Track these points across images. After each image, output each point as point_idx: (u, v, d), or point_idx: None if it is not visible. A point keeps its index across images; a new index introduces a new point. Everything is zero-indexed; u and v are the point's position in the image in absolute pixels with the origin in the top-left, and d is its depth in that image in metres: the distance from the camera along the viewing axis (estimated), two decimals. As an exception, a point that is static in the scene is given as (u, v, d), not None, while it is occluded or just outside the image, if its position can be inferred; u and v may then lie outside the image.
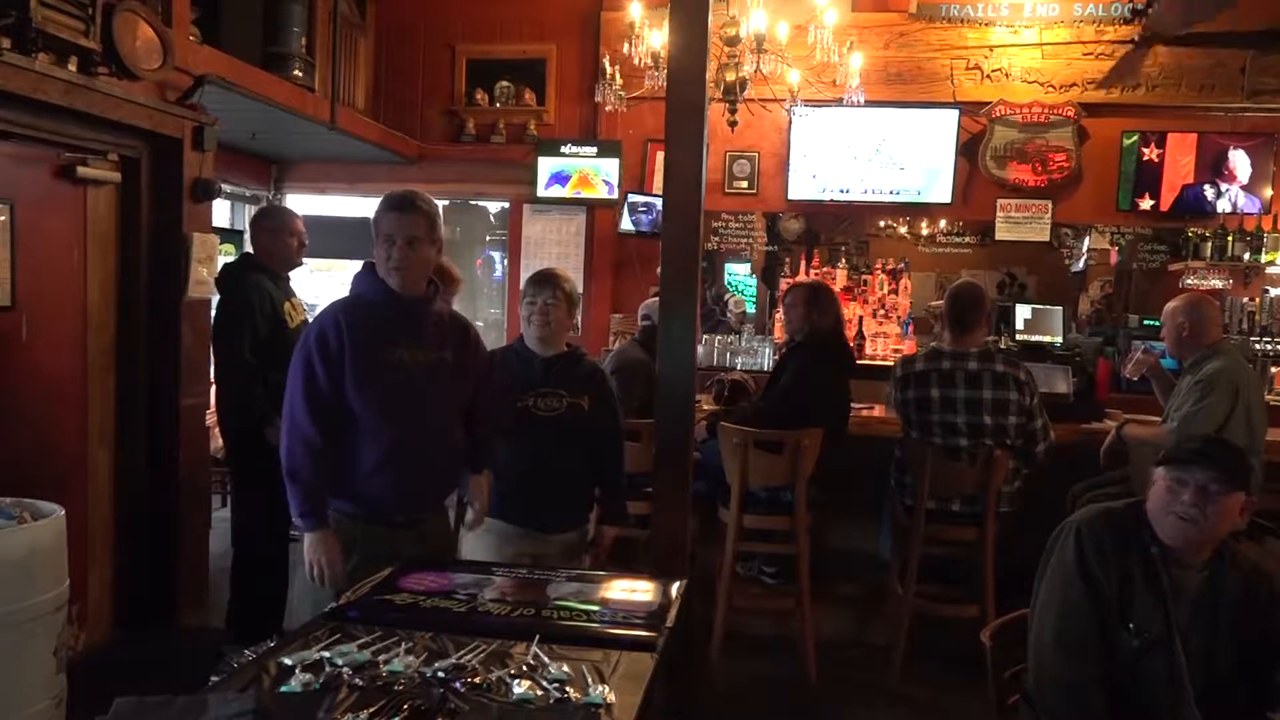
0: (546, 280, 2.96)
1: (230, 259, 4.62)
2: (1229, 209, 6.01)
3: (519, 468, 2.89)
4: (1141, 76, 5.91)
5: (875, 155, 6.24)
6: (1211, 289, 5.93)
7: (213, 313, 3.96)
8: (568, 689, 1.52)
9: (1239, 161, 5.97)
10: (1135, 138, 6.02)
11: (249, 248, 4.32)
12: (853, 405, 4.15)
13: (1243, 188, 5.99)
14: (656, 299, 3.33)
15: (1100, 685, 2.03)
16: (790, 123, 6.15)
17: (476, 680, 1.53)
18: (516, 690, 1.50)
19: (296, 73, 5.16)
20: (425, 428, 2.53)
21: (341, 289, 2.75)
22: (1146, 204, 6.05)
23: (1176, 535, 2.04)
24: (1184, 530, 2.02)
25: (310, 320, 2.68)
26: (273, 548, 3.78)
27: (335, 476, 2.48)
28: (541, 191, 6.39)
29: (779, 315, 5.85)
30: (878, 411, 4.54)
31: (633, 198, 6.31)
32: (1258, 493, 3.28)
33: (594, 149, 6.34)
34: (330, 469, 2.46)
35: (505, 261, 6.95)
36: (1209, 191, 6.01)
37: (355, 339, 2.45)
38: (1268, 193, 5.97)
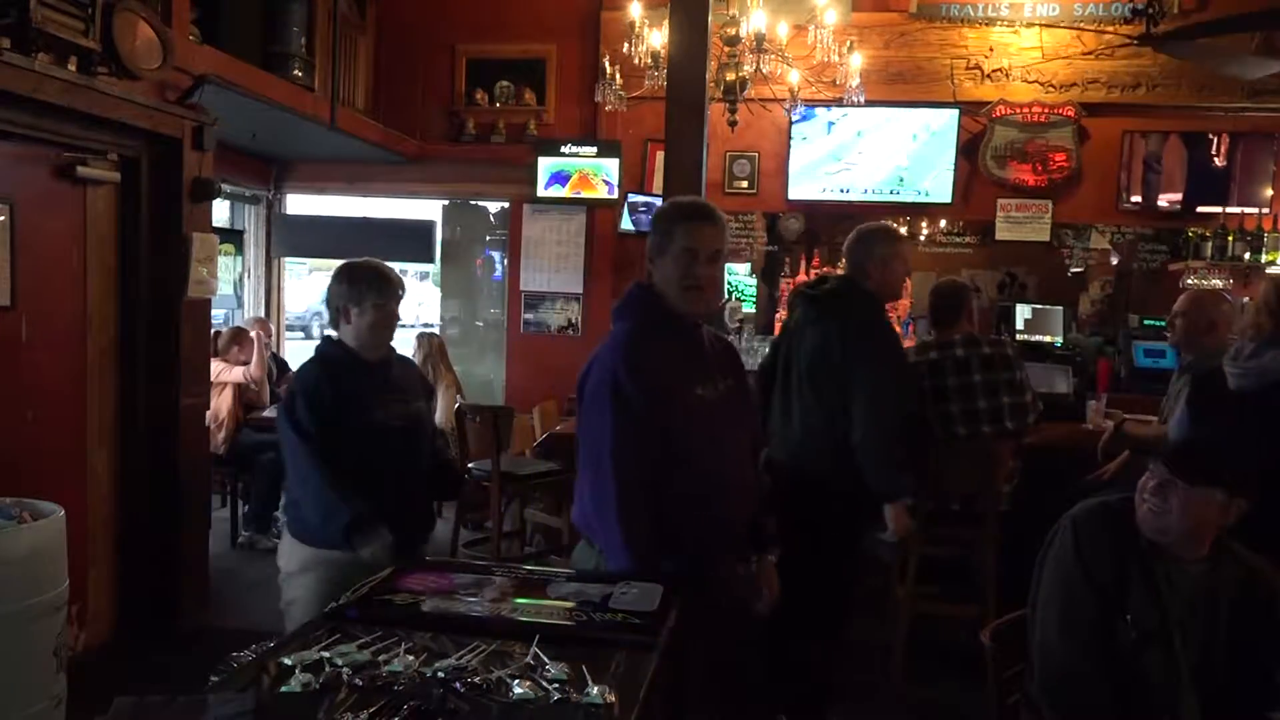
0: (389, 279, 2.61)
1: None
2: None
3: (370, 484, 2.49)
4: (1141, 76, 5.91)
5: (874, 155, 6.23)
6: (1212, 289, 5.94)
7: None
8: (568, 689, 1.52)
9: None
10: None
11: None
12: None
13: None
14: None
15: (1105, 677, 2.04)
16: (790, 123, 6.15)
17: (476, 680, 1.53)
18: (516, 690, 1.50)
19: (296, 72, 5.16)
20: (732, 484, 2.19)
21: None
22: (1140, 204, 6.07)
23: (1144, 524, 2.08)
24: (1147, 519, 2.07)
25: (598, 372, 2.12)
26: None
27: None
28: (541, 191, 6.38)
29: (780, 315, 5.86)
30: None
31: (633, 198, 6.30)
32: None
33: (594, 149, 6.33)
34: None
35: (505, 261, 6.95)
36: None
37: (663, 383, 2.07)
38: (1268, 192, 5.97)
